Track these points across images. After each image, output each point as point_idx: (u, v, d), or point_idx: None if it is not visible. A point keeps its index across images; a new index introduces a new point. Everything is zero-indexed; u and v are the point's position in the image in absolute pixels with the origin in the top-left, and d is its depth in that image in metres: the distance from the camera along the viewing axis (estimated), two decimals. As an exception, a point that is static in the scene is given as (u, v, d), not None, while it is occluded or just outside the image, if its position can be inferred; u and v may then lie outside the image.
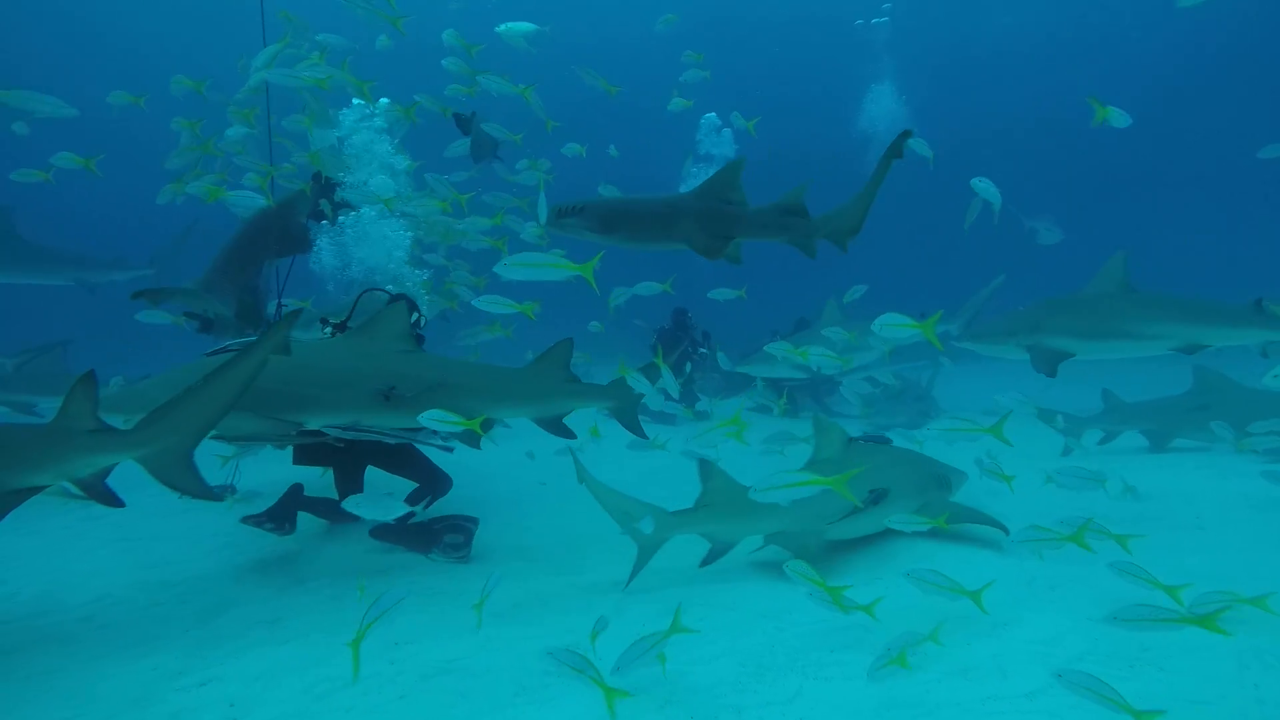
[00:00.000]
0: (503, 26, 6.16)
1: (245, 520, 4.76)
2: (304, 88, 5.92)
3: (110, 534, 5.24)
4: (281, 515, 4.75)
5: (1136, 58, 31.06)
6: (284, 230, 6.42)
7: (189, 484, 3.29)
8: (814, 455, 4.68)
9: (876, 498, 4.14)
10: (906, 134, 4.50)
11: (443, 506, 5.01)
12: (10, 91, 4.98)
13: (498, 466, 7.12)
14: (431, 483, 4.98)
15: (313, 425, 4.06)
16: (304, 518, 5.09)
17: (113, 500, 3.22)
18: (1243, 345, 5.15)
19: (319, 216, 6.74)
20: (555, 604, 3.79)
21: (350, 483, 5.04)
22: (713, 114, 14.64)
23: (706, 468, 4.09)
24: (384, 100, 7.04)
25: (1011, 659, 3.00)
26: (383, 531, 4.67)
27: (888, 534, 4.32)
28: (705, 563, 4.10)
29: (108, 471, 3.24)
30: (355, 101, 6.99)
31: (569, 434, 4.69)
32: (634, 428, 4.98)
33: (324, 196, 6.63)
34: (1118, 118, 4.50)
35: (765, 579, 3.99)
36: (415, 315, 4.99)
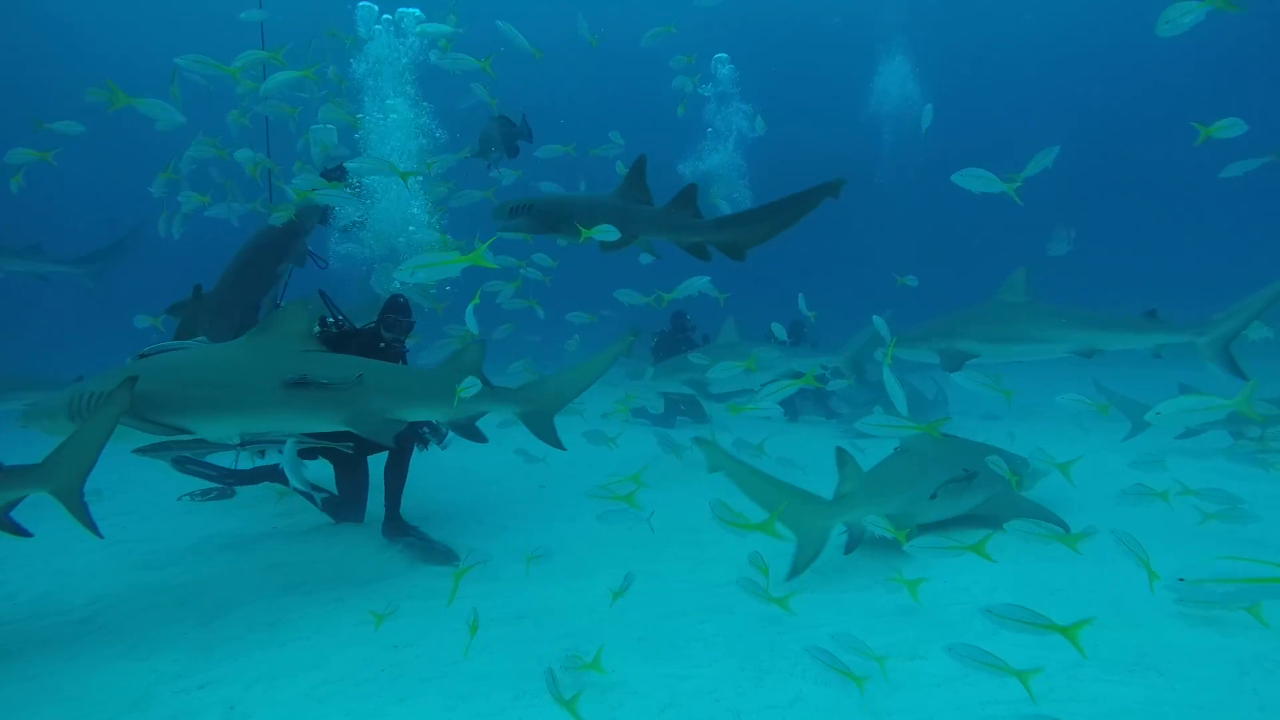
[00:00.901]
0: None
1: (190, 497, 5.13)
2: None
3: (110, 535, 5.21)
4: (245, 479, 4.82)
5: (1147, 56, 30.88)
6: (288, 249, 6.45)
7: (81, 518, 3.30)
8: (901, 446, 4.84)
9: (969, 478, 4.45)
10: (841, 181, 4.73)
11: (432, 509, 5.03)
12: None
13: (496, 470, 7.12)
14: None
15: (212, 430, 3.95)
16: (306, 519, 5.10)
17: (19, 531, 3.35)
18: (1136, 349, 5.65)
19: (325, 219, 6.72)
20: (555, 608, 3.79)
21: (351, 478, 5.07)
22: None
23: (843, 456, 4.20)
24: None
25: (1009, 663, 3.00)
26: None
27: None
28: (849, 550, 4.19)
29: (14, 505, 3.34)
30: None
31: (480, 437, 4.61)
32: (546, 435, 4.77)
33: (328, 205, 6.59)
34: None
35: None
36: (405, 314, 5.09)
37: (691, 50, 8.60)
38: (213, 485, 6.34)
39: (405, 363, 5.19)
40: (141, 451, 4.39)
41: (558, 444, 4.80)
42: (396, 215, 7.39)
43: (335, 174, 6.58)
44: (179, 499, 6.19)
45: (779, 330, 6.84)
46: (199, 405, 3.72)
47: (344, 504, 5.16)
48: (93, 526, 3.23)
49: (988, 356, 5.53)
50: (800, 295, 7.63)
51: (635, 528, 4.88)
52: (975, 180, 4.44)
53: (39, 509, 3.45)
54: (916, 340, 6.06)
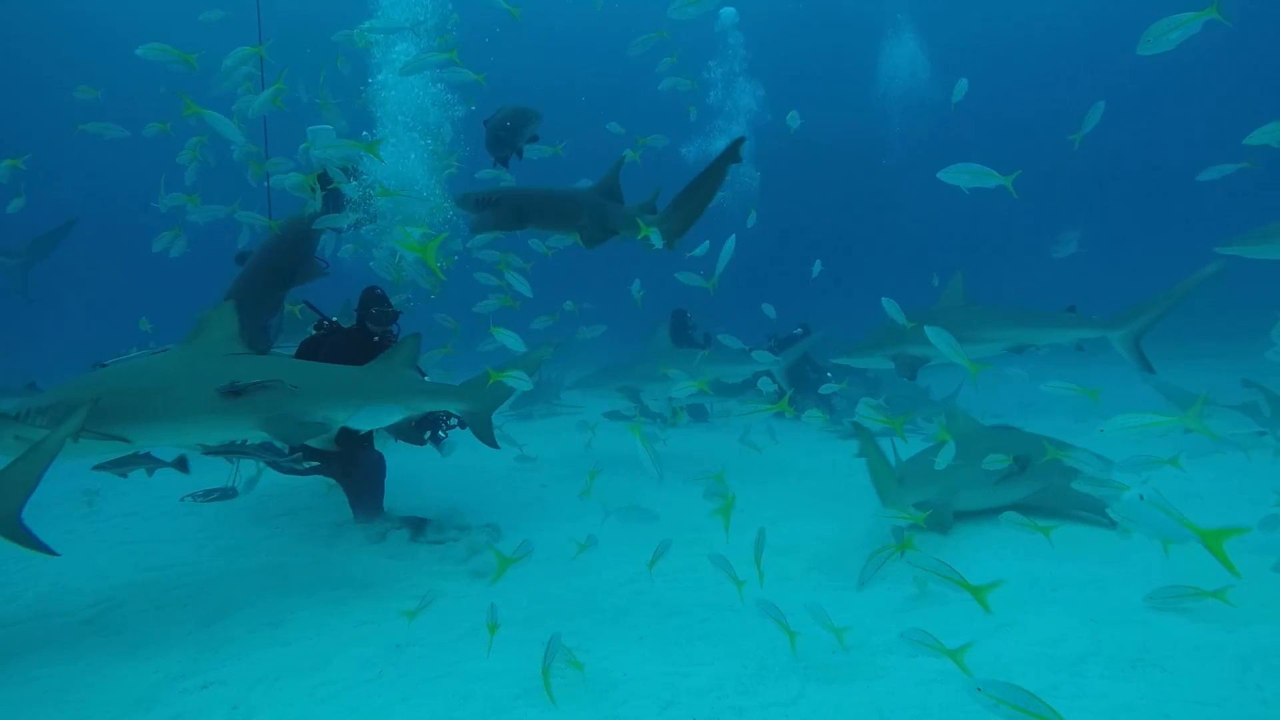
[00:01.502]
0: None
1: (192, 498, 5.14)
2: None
3: (113, 536, 5.25)
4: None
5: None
6: (298, 262, 6.36)
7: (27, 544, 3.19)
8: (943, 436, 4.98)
9: (1022, 465, 4.65)
10: (741, 140, 4.82)
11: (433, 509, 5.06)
12: (210, 112, 5.06)
13: (497, 469, 7.13)
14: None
15: (146, 439, 3.85)
16: (308, 519, 5.10)
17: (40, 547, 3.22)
18: (1060, 343, 6.10)
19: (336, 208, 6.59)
20: (559, 607, 3.79)
21: (351, 477, 5.08)
22: None
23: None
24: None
25: (1014, 660, 3.00)
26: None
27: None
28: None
29: None
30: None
31: (419, 440, 4.53)
32: (485, 435, 4.62)
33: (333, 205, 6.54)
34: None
35: (774, 583, 3.96)
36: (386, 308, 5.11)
37: (699, 29, 8.59)
38: (214, 487, 6.34)
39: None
40: (101, 468, 4.29)
41: (494, 443, 4.71)
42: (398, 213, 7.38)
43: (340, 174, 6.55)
44: (181, 500, 6.20)
45: (730, 339, 6.89)
46: (130, 414, 3.63)
47: (362, 498, 5.17)
48: (44, 548, 3.11)
49: (937, 359, 5.79)
50: (766, 305, 7.82)
51: (638, 527, 4.88)
52: (965, 176, 4.40)
53: (39, 510, 3.45)
54: (869, 348, 6.31)
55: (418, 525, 4.93)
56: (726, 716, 2.68)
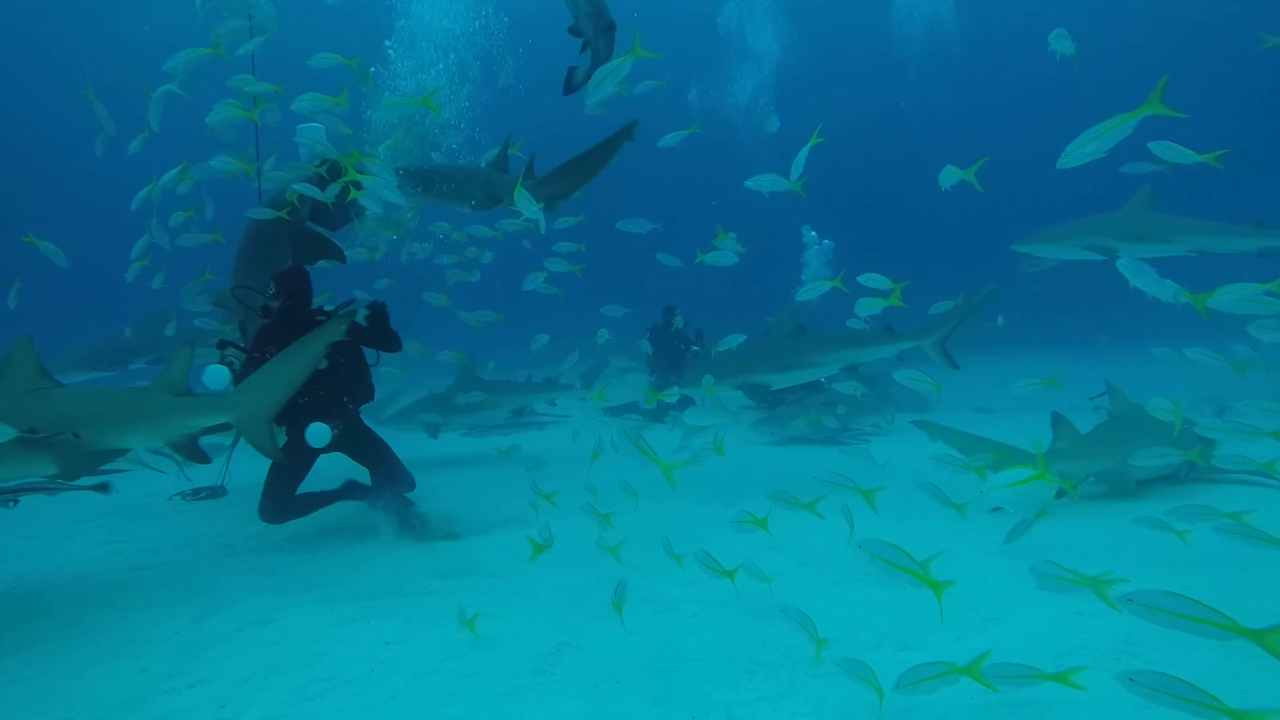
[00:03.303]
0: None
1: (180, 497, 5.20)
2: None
3: (100, 535, 5.22)
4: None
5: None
6: (297, 241, 6.19)
7: None
8: (1113, 412, 5.94)
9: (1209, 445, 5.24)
10: (633, 122, 5.42)
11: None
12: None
13: (485, 465, 7.12)
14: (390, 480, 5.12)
15: None
16: (307, 520, 5.07)
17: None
18: (884, 358, 6.80)
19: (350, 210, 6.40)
20: (548, 603, 3.80)
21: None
22: None
23: (1057, 419, 5.32)
24: None
25: (1001, 652, 3.02)
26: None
27: None
28: (1059, 495, 4.84)
29: None
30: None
31: (202, 458, 4.25)
32: (262, 442, 4.36)
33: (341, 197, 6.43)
34: None
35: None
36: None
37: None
38: (202, 485, 6.31)
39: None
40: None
41: (275, 453, 4.47)
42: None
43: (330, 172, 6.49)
44: (169, 499, 6.18)
45: (645, 345, 7.03)
46: None
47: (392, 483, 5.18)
48: None
49: (778, 384, 6.38)
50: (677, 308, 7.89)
51: (627, 524, 4.89)
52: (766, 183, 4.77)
53: (27, 510, 3.43)
54: (719, 376, 6.76)
55: (409, 517, 4.94)
56: (716, 712, 2.69)
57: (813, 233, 14.34)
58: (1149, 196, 6.28)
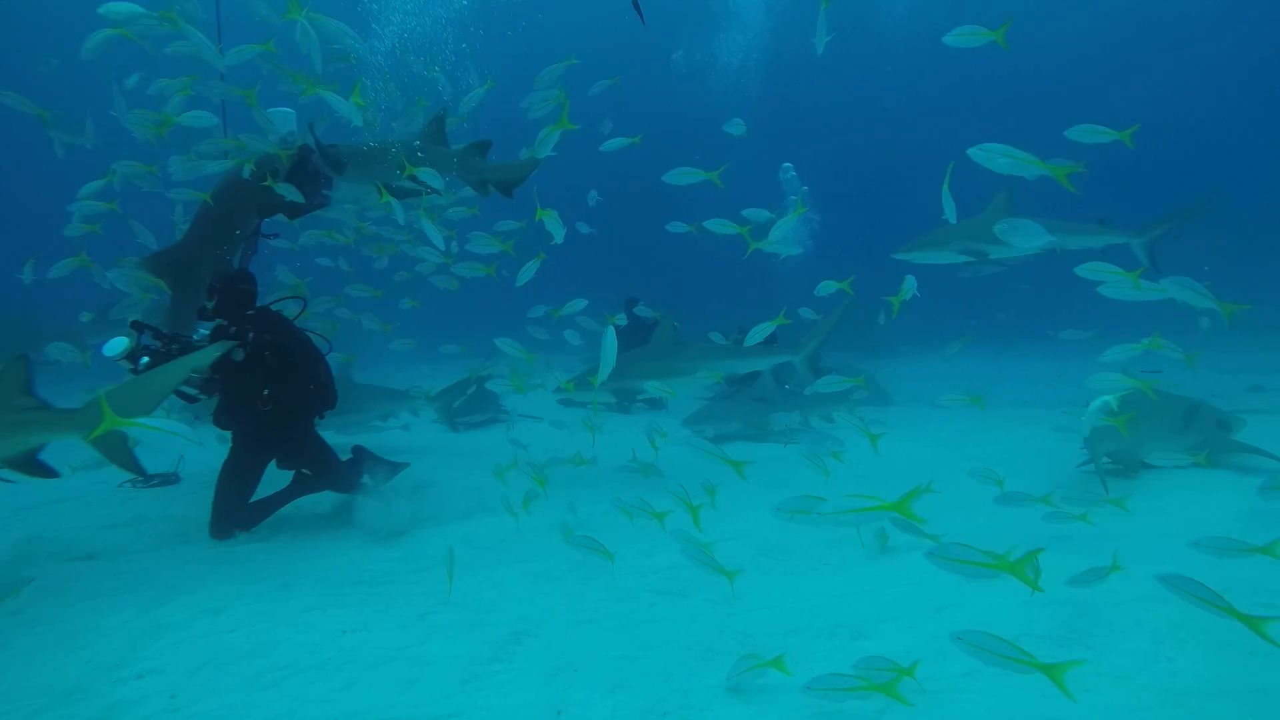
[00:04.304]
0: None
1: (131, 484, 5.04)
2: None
3: (46, 522, 5.06)
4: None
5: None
6: (268, 195, 5.93)
7: None
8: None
9: (1228, 424, 6.01)
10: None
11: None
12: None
13: (454, 454, 7.07)
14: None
15: None
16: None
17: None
18: (759, 369, 7.11)
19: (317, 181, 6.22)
20: (509, 592, 3.79)
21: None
22: None
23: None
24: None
25: (949, 640, 3.10)
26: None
27: None
28: (1082, 465, 5.65)
29: None
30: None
31: (49, 472, 4.01)
32: (120, 457, 4.07)
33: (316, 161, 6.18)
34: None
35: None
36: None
37: None
38: (155, 472, 6.17)
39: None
40: None
41: (135, 468, 4.23)
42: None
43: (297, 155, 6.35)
44: (119, 486, 6.02)
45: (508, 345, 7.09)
46: None
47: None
48: None
49: (652, 390, 6.67)
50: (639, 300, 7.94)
51: (591, 513, 4.91)
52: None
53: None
54: (588, 379, 7.03)
55: (374, 503, 4.90)
56: (673, 699, 2.73)
57: (792, 172, 14.30)
58: (1006, 200, 6.57)
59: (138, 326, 4.54)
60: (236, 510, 4.72)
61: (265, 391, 4.68)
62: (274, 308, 4.94)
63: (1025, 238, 4.59)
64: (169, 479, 6.18)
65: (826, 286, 6.35)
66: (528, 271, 5.91)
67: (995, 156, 3.68)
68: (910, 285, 6.38)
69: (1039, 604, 3.38)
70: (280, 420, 4.77)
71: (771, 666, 2.65)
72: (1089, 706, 2.57)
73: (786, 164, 14.80)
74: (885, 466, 6.20)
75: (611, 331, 4.22)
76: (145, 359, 4.37)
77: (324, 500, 5.16)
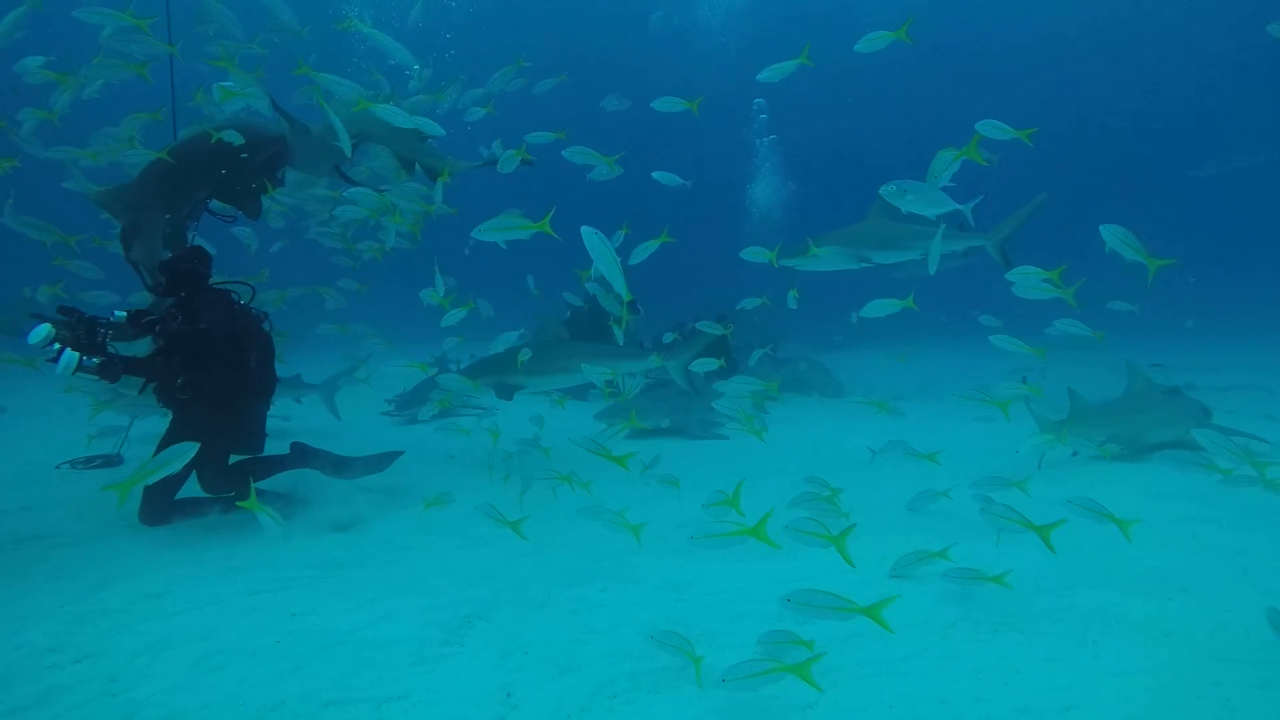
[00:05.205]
0: None
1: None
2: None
3: (-23, 504, 4.88)
4: None
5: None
6: (230, 176, 5.79)
7: None
8: (1129, 390, 6.87)
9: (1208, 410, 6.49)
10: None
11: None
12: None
13: (402, 437, 7.00)
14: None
15: None
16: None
17: None
18: (634, 373, 7.19)
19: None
20: (461, 576, 3.79)
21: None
22: None
23: (1074, 395, 6.44)
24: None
25: (894, 626, 3.20)
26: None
27: None
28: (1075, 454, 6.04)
29: None
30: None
31: None
32: None
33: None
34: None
35: (673, 556, 4.08)
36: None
37: None
38: (96, 453, 6.00)
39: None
40: None
41: None
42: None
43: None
44: (57, 467, 5.84)
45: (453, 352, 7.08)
46: None
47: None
48: None
49: (531, 387, 6.87)
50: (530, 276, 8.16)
51: (541, 499, 4.93)
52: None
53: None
54: (475, 375, 7.16)
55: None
56: (621, 681, 2.77)
57: (764, 112, 14.45)
58: (884, 206, 6.72)
59: (65, 311, 4.38)
60: (160, 496, 4.49)
61: (179, 380, 4.44)
62: (224, 289, 4.77)
63: (924, 202, 4.57)
64: (111, 460, 6.01)
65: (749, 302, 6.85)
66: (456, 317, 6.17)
67: (905, 196, 4.14)
68: (791, 298, 7.21)
69: (978, 594, 3.52)
70: (207, 408, 4.51)
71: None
72: (1018, 688, 2.70)
73: (758, 100, 14.88)
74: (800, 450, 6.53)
75: (591, 235, 3.50)
76: (56, 345, 4.16)
77: (281, 482, 5.06)
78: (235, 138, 5.44)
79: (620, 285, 3.61)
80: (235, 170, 5.76)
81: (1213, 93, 33.44)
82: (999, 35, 31.87)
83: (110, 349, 4.19)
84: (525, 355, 6.54)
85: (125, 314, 4.45)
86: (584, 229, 3.37)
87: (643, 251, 5.57)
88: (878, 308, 5.57)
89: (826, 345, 16.29)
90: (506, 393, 6.94)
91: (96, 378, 4.14)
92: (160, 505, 4.50)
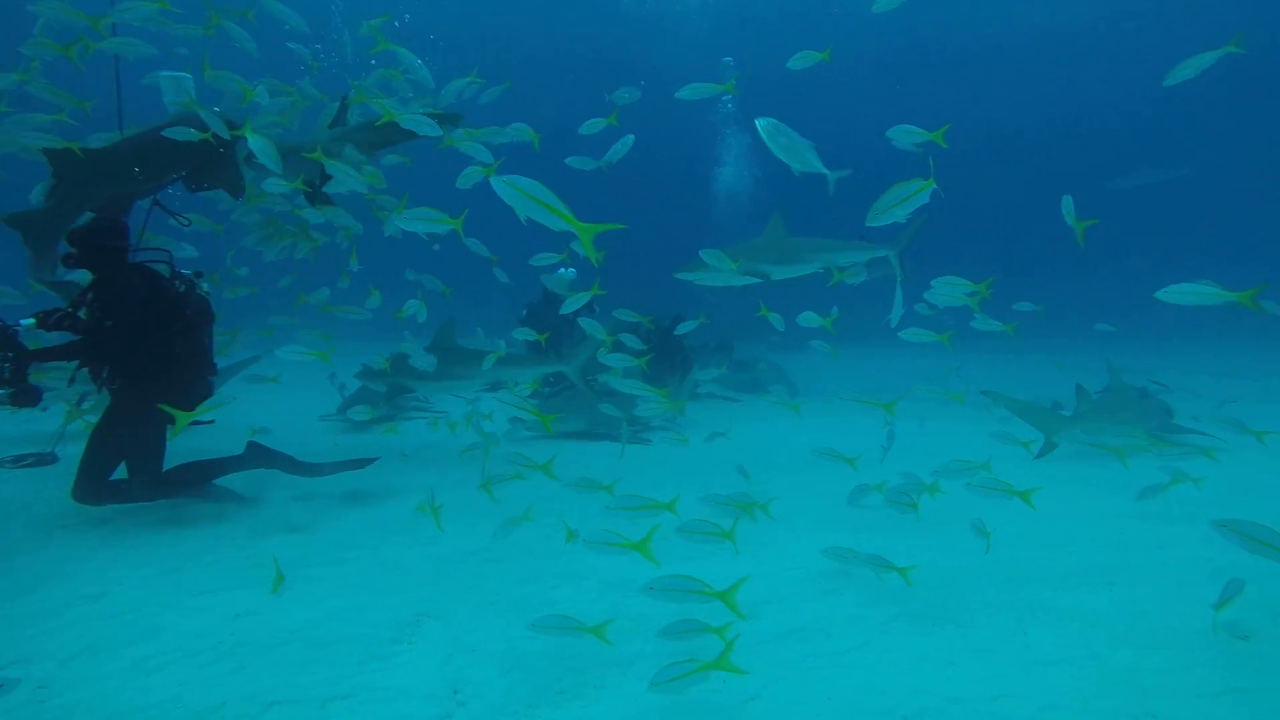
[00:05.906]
0: None
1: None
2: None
3: (-100, 504, 4.68)
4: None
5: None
6: (211, 164, 5.63)
7: None
8: (1108, 387, 7.61)
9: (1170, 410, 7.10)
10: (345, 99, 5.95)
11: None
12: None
13: (362, 439, 6.91)
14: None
15: None
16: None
17: None
18: (531, 379, 7.40)
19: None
20: (412, 575, 3.78)
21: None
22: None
23: (1080, 391, 6.74)
24: None
25: (835, 621, 3.31)
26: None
27: None
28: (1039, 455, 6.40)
29: None
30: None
31: None
32: None
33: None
34: None
35: (621, 553, 4.10)
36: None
37: None
38: (28, 452, 5.81)
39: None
40: None
41: None
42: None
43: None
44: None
45: (416, 354, 7.07)
46: None
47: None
48: None
49: (423, 392, 7.00)
50: (497, 269, 8.07)
51: (495, 496, 4.92)
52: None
53: None
54: (371, 379, 7.37)
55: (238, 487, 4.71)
56: (569, 677, 2.80)
57: (733, 67, 14.60)
58: (780, 221, 6.93)
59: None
60: (97, 473, 4.36)
61: (104, 372, 4.34)
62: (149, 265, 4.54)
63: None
64: (45, 459, 5.80)
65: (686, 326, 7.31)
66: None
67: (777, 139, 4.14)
68: (701, 319, 7.62)
69: (924, 587, 3.63)
70: (140, 394, 4.37)
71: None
72: (952, 678, 2.80)
73: (727, 58, 14.90)
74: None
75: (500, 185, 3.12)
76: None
77: (235, 481, 4.95)
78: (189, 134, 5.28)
79: (555, 222, 2.68)
80: (209, 156, 5.62)
81: (1133, 115, 34.71)
82: (936, 42, 32.39)
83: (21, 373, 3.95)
84: (427, 359, 6.63)
85: (33, 319, 4.17)
86: (492, 180, 2.66)
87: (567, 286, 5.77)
88: (809, 319, 6.37)
89: (783, 346, 16.52)
90: (369, 396, 7.21)
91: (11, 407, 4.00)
92: (96, 482, 4.34)
